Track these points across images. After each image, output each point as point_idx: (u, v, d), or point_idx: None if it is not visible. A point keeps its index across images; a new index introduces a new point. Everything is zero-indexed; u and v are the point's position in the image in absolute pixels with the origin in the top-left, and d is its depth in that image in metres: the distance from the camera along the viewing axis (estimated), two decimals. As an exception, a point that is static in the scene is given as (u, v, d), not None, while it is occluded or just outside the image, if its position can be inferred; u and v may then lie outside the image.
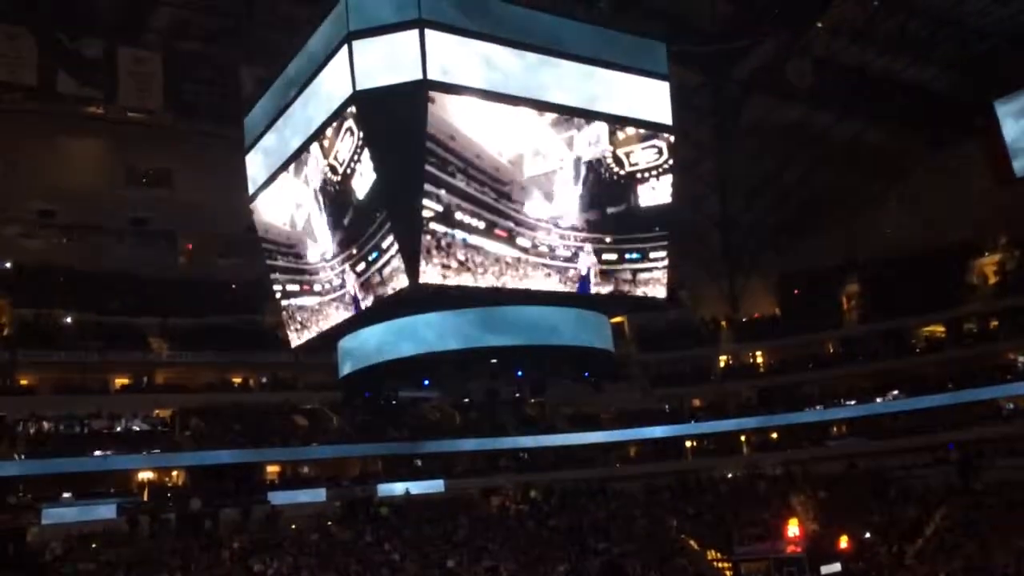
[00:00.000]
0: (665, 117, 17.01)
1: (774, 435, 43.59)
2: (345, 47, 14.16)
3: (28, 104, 32.69)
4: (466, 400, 37.13)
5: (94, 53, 28.63)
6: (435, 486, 36.25)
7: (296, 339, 19.09)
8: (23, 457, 30.05)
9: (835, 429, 43.03)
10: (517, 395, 32.09)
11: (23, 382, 33.45)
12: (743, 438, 43.93)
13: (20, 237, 36.26)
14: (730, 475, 41.51)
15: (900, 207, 43.98)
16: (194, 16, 32.28)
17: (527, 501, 36.61)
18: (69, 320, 35.41)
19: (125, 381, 35.65)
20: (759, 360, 47.02)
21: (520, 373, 19.60)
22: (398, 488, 35.16)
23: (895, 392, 41.03)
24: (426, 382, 18.72)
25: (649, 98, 16.81)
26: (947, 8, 34.76)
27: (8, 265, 35.81)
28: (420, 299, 15.10)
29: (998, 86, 36.85)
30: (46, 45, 26.01)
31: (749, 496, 38.39)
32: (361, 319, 16.40)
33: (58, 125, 35.56)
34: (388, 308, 15.65)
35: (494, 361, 17.54)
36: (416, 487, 35.43)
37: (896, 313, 41.88)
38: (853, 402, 42.01)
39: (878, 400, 41.35)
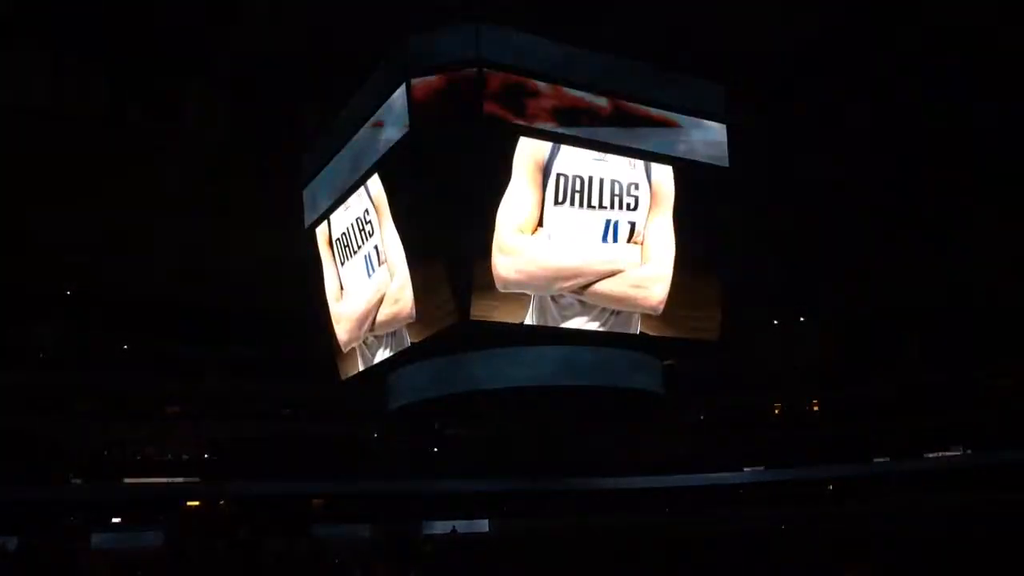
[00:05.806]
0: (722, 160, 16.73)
1: (830, 487, 42.35)
2: (403, 85, 14.25)
3: (95, 133, 33.65)
4: (514, 438, 36.80)
5: (164, 84, 29.35)
6: (480, 525, 35.92)
7: (344, 373, 19.04)
8: (76, 481, 30.59)
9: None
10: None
11: (78, 407, 34.14)
12: (795, 489, 42.77)
13: (82, 264, 37.20)
14: (782, 526, 40.31)
15: (964, 253, 42.72)
16: (257, 52, 33.02)
17: (573, 543, 35.92)
18: (125, 347, 36.10)
19: (177, 409, 36.14)
20: (815, 408, 45.90)
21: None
22: (443, 525, 34.87)
23: (959, 446, 39.64)
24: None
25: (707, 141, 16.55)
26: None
27: (68, 293, 36.69)
28: (471, 336, 14.94)
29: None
30: (118, 77, 26.65)
31: (802, 550, 37.09)
32: (409, 355, 16.26)
33: (124, 154, 36.48)
34: (437, 345, 15.51)
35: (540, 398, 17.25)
36: (461, 525, 35.12)
37: (961, 362, 40.58)
38: (918, 455, 40.71)
39: (941, 454, 39.96)
